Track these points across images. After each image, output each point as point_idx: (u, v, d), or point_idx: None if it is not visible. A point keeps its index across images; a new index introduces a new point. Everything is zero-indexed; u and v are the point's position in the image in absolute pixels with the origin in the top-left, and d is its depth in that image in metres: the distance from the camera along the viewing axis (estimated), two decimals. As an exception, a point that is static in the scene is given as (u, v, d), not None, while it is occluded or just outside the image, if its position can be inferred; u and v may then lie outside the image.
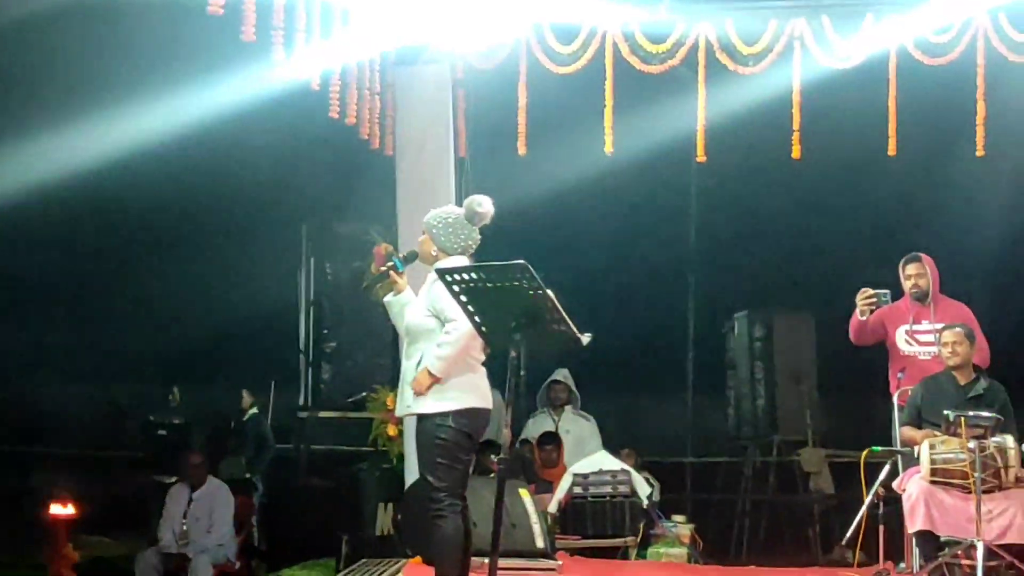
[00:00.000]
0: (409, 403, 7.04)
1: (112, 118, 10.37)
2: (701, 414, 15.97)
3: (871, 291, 10.34)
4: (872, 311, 10.37)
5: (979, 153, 10.56)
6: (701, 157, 10.86)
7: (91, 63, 10.24)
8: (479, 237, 7.31)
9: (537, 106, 10.90)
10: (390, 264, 7.30)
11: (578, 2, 10.75)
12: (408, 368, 7.08)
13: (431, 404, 6.92)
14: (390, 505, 11.12)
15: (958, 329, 9.86)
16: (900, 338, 10.47)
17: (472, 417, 6.95)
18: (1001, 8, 10.38)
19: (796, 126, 10.68)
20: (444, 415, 6.88)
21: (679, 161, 13.17)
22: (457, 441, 6.90)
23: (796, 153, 10.74)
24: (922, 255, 10.49)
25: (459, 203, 7.66)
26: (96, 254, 15.26)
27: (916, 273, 10.45)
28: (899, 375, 10.45)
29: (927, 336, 10.37)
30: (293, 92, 9.02)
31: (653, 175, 14.02)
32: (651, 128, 11.56)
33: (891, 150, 10.58)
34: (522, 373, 14.19)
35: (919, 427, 9.78)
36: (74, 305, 15.40)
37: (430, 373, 6.95)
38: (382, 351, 12.70)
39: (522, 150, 10.93)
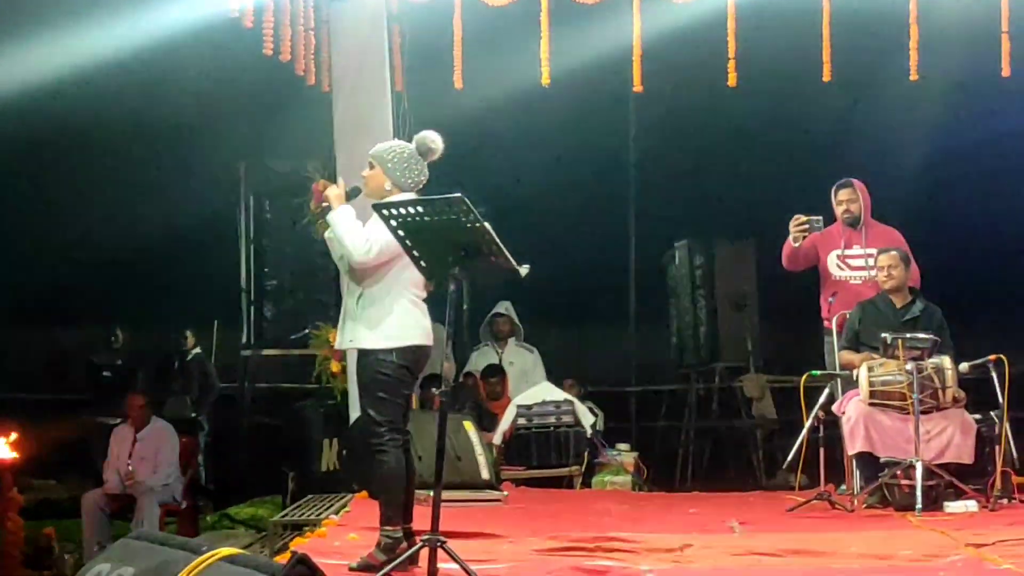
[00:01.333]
0: (352, 337, 7.04)
1: (40, 43, 10.19)
2: (644, 343, 16.04)
3: (804, 217, 10.42)
4: (805, 237, 10.45)
5: (913, 77, 10.61)
6: (638, 87, 10.86)
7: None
8: (428, 173, 7.28)
9: (472, 38, 10.85)
10: (325, 203, 7.25)
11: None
12: (350, 304, 7.07)
13: (373, 340, 6.92)
14: (335, 441, 11.15)
15: (893, 252, 9.97)
16: (832, 263, 10.58)
17: (414, 353, 6.96)
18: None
19: (731, 53, 10.69)
20: (387, 351, 6.89)
21: (616, 90, 13.17)
22: (398, 376, 6.91)
23: (732, 81, 10.76)
24: (854, 181, 10.60)
25: (396, 137, 7.63)
26: (26, 188, 15.10)
27: (848, 198, 10.57)
28: (830, 299, 10.57)
29: (858, 260, 10.49)
30: (225, 27, 8.91)
31: (590, 105, 14.02)
32: (587, 57, 11.51)
33: (825, 76, 10.61)
34: (465, 307, 14.31)
35: (857, 350, 9.90)
36: (4, 243, 15.20)
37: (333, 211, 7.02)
38: (324, 288, 12.68)
39: (458, 84, 10.89)
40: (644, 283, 15.85)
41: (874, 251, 10.30)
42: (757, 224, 13.52)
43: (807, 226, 10.39)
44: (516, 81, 11.56)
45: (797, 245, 10.47)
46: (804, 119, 14.11)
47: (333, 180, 10.56)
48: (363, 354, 7.00)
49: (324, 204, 7.23)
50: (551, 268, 14.11)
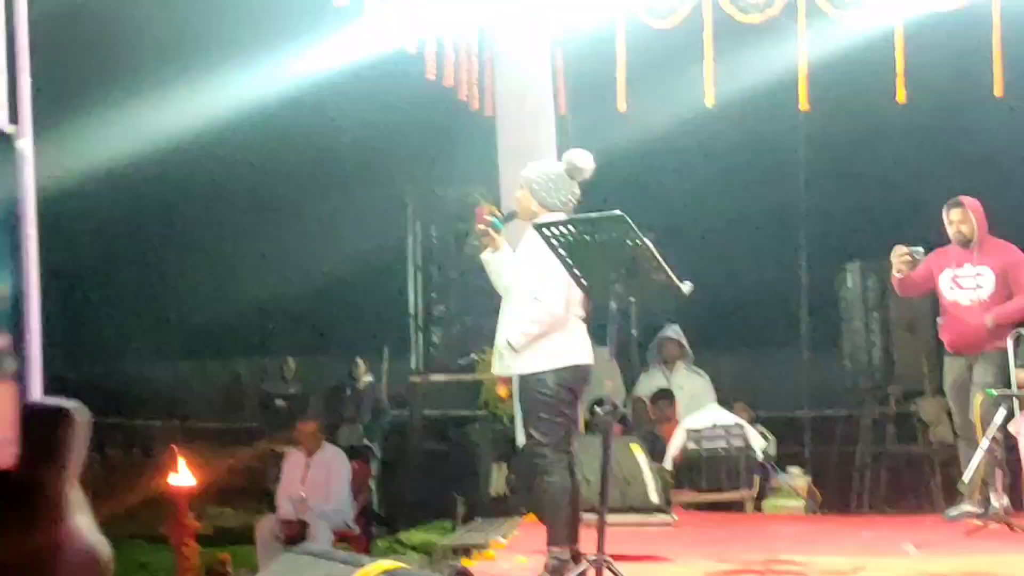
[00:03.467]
0: (509, 363, 7.06)
1: (201, 87, 10.41)
2: (816, 367, 15.81)
3: (905, 249, 10.13)
4: (910, 269, 10.16)
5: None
6: (804, 105, 10.75)
7: (184, 30, 10.29)
8: (579, 192, 7.28)
9: (636, 60, 10.84)
10: (489, 222, 7.29)
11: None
12: (505, 328, 7.09)
13: (531, 363, 6.93)
14: (503, 465, 11.17)
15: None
16: (944, 283, 10.27)
17: (573, 372, 6.95)
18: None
19: (900, 69, 10.53)
20: (544, 373, 6.88)
21: (783, 110, 12.98)
22: (559, 396, 6.90)
23: (901, 96, 10.60)
24: (964, 199, 10.26)
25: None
26: (204, 232, 15.45)
27: (958, 219, 10.24)
28: (939, 320, 10.36)
29: (969, 280, 10.16)
30: (389, 58, 9.00)
31: (757, 125, 13.90)
32: (752, 78, 11.42)
33: (998, 91, 10.40)
34: (634, 332, 14.28)
35: (1035, 369, 9.65)
36: (191, 286, 15.60)
37: (511, 345, 7.00)
38: (490, 312, 12.64)
39: (622, 106, 10.88)
40: (816, 305, 15.63)
41: (985, 269, 10.04)
42: (930, 243, 13.26)
43: (909, 258, 10.13)
44: (681, 103, 11.52)
45: (900, 276, 10.20)
46: (976, 133, 13.83)
47: (498, 205, 10.61)
48: (523, 377, 7.01)
49: (482, 227, 7.26)
50: (721, 291, 14.12)
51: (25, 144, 1.63)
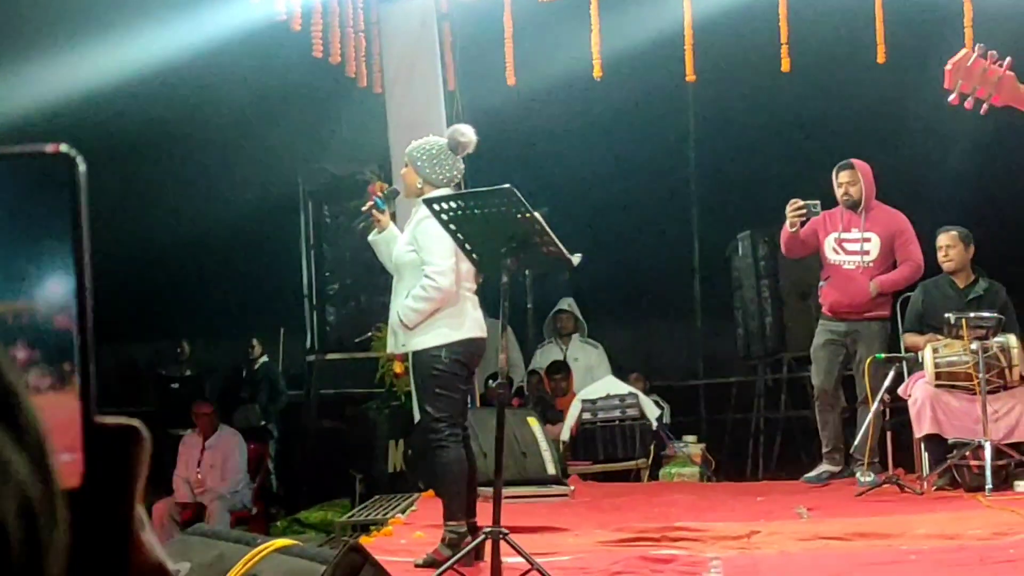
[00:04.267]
0: (403, 341, 7.07)
1: (89, 52, 10.23)
2: (710, 336, 15.95)
3: (801, 202, 10.11)
4: (803, 223, 10.20)
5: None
6: (690, 76, 10.81)
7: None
8: (463, 167, 7.27)
9: (523, 32, 10.85)
10: (371, 203, 7.28)
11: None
12: (397, 306, 7.09)
13: (423, 339, 6.93)
14: (400, 442, 11.18)
15: (953, 232, 9.85)
16: (828, 246, 10.29)
17: (466, 346, 6.96)
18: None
19: (784, 39, 10.62)
20: (437, 348, 6.90)
21: (671, 80, 13.07)
22: (452, 371, 6.91)
23: (785, 66, 10.68)
24: (855, 162, 10.30)
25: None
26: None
27: (847, 181, 10.26)
28: (820, 283, 10.42)
29: (854, 245, 10.19)
30: (273, 30, 8.90)
31: (646, 96, 13.93)
32: (639, 47, 11.44)
33: (879, 57, 10.52)
34: (528, 305, 14.28)
35: (921, 332, 9.80)
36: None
37: (402, 322, 6.99)
38: (385, 290, 12.65)
39: (511, 80, 10.89)
40: (709, 275, 15.76)
41: (871, 235, 10.13)
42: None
43: (804, 211, 10.12)
44: (569, 74, 11.55)
45: (794, 231, 10.20)
46: (858, 101, 13.96)
47: (389, 182, 10.60)
48: (416, 354, 7.02)
49: (371, 204, 7.25)
50: (613, 263, 14.19)
51: None
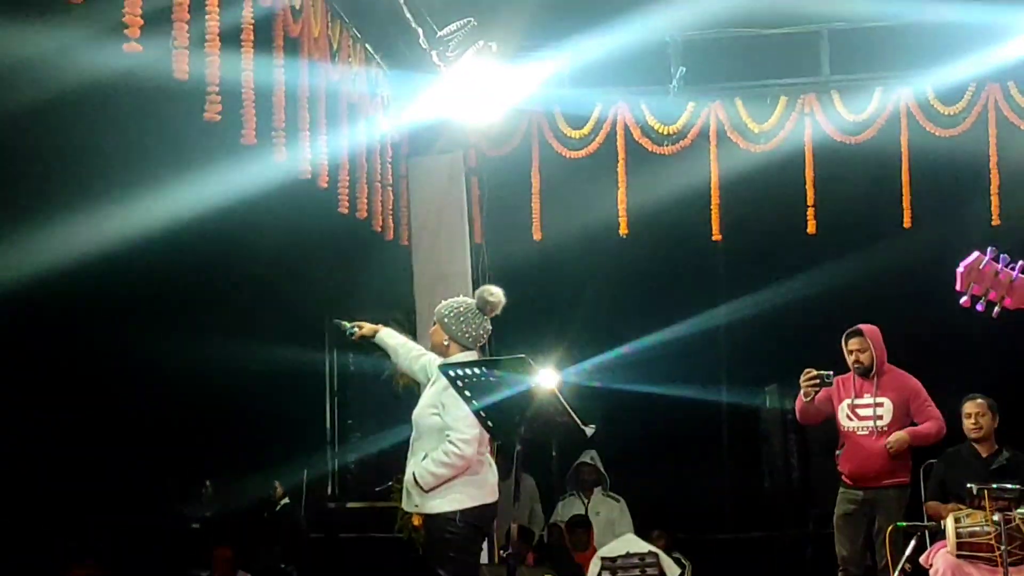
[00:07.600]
0: (416, 502, 7.05)
1: (113, 209, 10.31)
2: (736, 489, 15.82)
3: (814, 371, 10.08)
4: (817, 392, 10.15)
5: (995, 222, 10.51)
6: (716, 236, 10.87)
7: (98, 153, 10.21)
8: (490, 327, 7.33)
9: (551, 189, 10.93)
10: (342, 328, 7.49)
11: (587, 86, 10.82)
12: (414, 464, 7.08)
13: (438, 503, 6.93)
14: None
15: (980, 400, 9.78)
16: (842, 413, 10.26)
17: (480, 512, 6.95)
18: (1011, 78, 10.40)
19: (810, 201, 10.69)
20: (452, 512, 6.88)
21: (698, 238, 13.12)
22: (466, 535, 6.90)
23: (811, 228, 10.74)
24: (864, 328, 10.27)
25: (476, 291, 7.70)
26: (111, 352, 15.28)
27: (857, 348, 10.25)
28: (837, 452, 10.37)
29: (867, 410, 10.16)
30: (301, 187, 8.96)
31: (673, 252, 13.95)
32: (667, 204, 11.49)
33: (906, 222, 10.55)
34: (553, 455, 14.18)
35: (944, 501, 9.70)
36: (107, 411, 15.37)
37: (418, 484, 6.99)
38: (405, 441, 12.70)
39: (537, 235, 10.98)
40: (737, 427, 15.66)
41: (884, 399, 10.09)
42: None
43: (818, 380, 10.08)
44: (596, 231, 11.57)
45: (808, 400, 10.18)
46: (885, 262, 13.95)
47: (414, 332, 10.62)
48: (429, 517, 7.00)
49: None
50: (639, 411, 14.10)
51: None
